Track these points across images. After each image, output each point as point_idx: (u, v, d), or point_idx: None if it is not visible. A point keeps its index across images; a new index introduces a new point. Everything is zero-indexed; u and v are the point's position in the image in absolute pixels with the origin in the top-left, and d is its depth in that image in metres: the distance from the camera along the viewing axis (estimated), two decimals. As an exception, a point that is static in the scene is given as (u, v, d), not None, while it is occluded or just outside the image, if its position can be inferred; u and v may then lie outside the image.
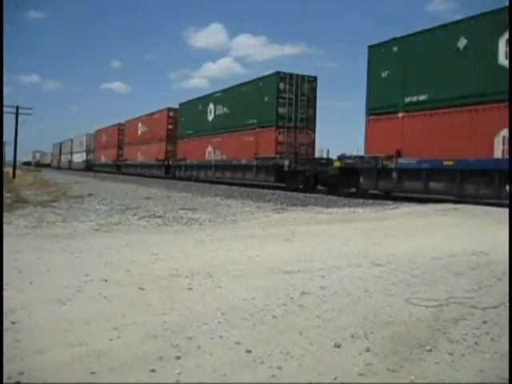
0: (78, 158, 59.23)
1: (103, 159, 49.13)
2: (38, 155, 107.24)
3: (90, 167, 52.85)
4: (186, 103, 29.69)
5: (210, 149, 25.60)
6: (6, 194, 11.53)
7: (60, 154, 75.51)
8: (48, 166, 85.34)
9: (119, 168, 43.35)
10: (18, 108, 30.56)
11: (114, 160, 44.56)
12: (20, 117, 30.65)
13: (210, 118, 25.68)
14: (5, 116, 26.76)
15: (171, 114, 32.01)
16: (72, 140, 64.72)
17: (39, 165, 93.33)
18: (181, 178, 28.28)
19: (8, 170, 31.09)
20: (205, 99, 26.70)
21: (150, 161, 34.78)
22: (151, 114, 35.59)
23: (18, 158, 34.67)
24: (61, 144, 75.74)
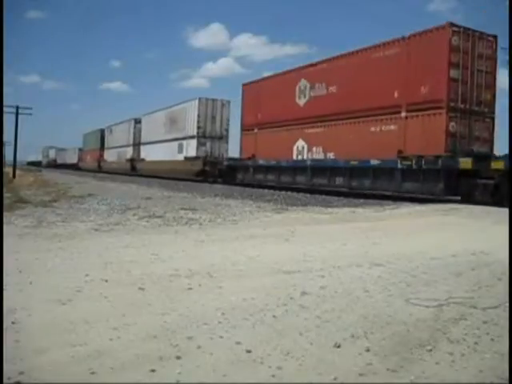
0: (164, 153, 30.28)
1: (319, 154, 17.54)
2: (52, 152, 77.92)
3: (225, 173, 23.86)
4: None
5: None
6: (6, 194, 11.52)
7: (102, 149, 46.03)
8: (72, 167, 57.14)
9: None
10: (18, 108, 30.59)
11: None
12: (21, 116, 30.59)
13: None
14: (5, 116, 26.77)
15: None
16: (137, 120, 35.96)
17: (56, 165, 67.25)
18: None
19: (8, 170, 31.08)
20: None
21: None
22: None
23: (22, 158, 33.82)
24: (103, 132, 46.00)
